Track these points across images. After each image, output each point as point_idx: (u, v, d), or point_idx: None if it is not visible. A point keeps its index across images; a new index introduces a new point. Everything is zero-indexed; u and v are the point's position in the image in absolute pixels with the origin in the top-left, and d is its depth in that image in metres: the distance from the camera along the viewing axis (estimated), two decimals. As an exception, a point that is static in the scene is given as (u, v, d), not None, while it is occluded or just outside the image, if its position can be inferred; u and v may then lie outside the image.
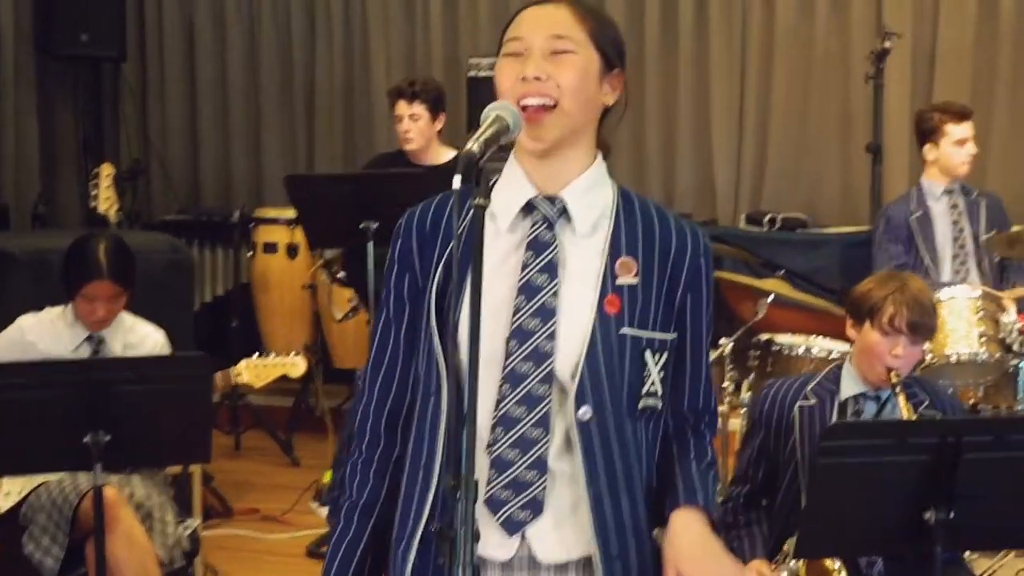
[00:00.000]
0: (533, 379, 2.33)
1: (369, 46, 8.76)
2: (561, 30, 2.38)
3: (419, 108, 6.28)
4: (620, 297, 2.37)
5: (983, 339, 5.37)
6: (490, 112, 2.25)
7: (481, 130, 2.20)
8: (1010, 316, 5.53)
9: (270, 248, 7.89)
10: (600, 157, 2.47)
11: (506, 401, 2.34)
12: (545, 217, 2.39)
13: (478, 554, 2.24)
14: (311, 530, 6.04)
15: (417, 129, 6.29)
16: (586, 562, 2.39)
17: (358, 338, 7.61)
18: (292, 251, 7.83)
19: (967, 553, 4.19)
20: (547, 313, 2.35)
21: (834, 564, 3.70)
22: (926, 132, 6.09)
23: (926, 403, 3.89)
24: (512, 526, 2.35)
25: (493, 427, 2.34)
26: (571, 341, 2.35)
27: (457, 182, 2.14)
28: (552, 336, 2.34)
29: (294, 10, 8.92)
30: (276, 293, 7.89)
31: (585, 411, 2.33)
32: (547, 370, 2.33)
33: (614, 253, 2.40)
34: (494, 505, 2.35)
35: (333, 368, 7.76)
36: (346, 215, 5.77)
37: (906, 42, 7.56)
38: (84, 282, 4.54)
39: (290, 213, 7.94)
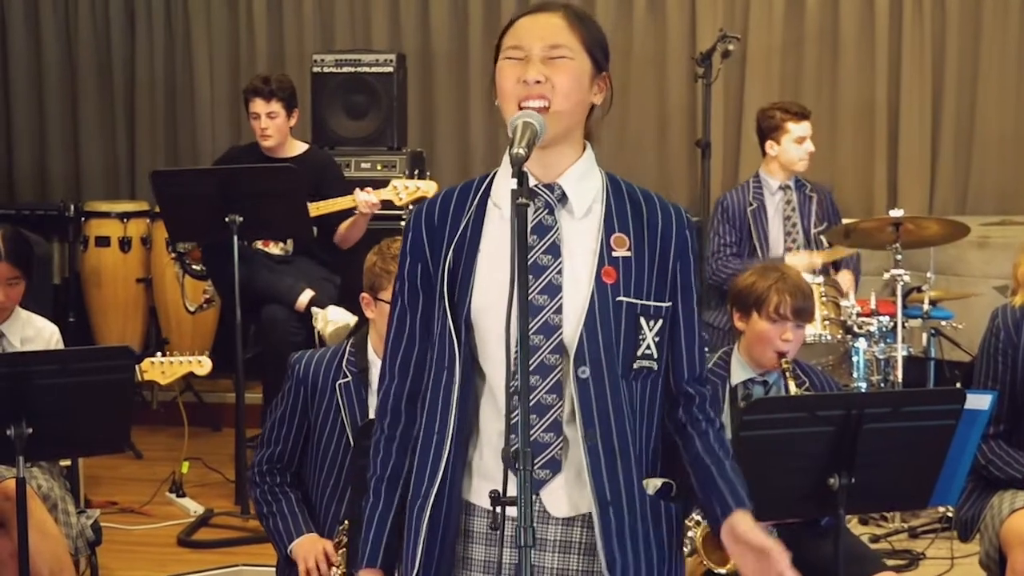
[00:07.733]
0: (544, 350, 2.58)
1: (191, 43, 8.82)
2: (556, 39, 2.62)
3: (276, 106, 6.46)
4: (616, 268, 2.62)
5: (826, 322, 5.79)
6: (517, 120, 2.51)
7: (519, 136, 2.48)
8: (850, 300, 5.97)
9: (102, 242, 7.88)
10: (589, 148, 2.71)
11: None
12: (546, 202, 2.64)
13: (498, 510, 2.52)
14: (176, 520, 6.11)
15: (275, 127, 6.48)
16: (589, 516, 2.62)
17: (197, 332, 7.70)
18: (125, 245, 7.85)
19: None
20: (553, 289, 2.60)
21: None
22: (768, 129, 6.44)
23: (805, 384, 4.23)
24: (534, 484, 2.55)
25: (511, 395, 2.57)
26: (575, 312, 2.59)
27: (513, 183, 2.41)
28: (559, 310, 2.59)
29: (112, 7, 8.92)
30: (109, 288, 7.89)
31: (583, 370, 2.58)
32: (557, 341, 2.58)
33: (608, 230, 2.65)
34: None
35: (171, 362, 7.76)
36: (210, 209, 5.89)
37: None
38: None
39: (122, 206, 8.01)
